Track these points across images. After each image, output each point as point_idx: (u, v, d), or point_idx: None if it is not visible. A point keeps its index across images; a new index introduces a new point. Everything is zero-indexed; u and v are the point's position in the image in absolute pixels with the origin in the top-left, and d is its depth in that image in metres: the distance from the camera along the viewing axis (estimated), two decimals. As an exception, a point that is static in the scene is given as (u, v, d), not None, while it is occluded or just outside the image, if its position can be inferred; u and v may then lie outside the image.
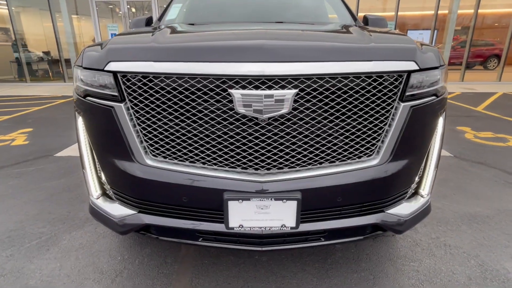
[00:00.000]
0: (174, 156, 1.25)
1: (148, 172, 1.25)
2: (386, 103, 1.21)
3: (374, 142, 1.25)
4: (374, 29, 1.73)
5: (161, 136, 1.23)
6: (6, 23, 10.32)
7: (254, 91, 1.08)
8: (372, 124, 1.22)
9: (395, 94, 1.20)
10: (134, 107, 1.21)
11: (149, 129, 1.23)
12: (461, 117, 5.39)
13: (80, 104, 1.34)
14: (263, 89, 1.08)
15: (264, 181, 1.17)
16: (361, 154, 1.25)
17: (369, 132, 1.23)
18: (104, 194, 1.45)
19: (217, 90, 1.12)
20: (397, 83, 1.20)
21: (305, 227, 1.29)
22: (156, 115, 1.20)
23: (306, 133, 1.18)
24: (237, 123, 1.15)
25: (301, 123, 1.16)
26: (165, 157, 1.26)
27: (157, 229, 1.37)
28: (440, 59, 1.34)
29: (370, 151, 1.26)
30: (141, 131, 1.24)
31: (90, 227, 2.08)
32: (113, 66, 1.19)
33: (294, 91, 1.09)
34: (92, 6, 9.49)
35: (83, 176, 1.48)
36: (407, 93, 1.21)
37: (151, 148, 1.26)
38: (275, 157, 1.19)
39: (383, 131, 1.24)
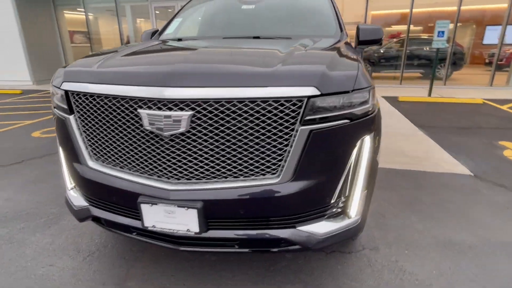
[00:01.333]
0: (108, 161, 1.49)
1: (91, 173, 1.51)
2: (284, 126, 1.27)
3: (275, 161, 1.32)
4: (314, 47, 1.74)
5: (97, 144, 1.48)
6: (84, 27, 11.95)
7: (155, 112, 1.25)
8: (272, 145, 1.29)
9: (294, 117, 1.26)
10: (79, 118, 1.48)
11: (90, 137, 1.49)
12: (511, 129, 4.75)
13: (53, 113, 1.67)
14: (163, 110, 1.25)
15: (170, 189, 1.34)
16: (263, 172, 1.34)
17: (268, 152, 1.30)
18: (74, 188, 1.77)
19: (131, 109, 1.32)
20: (295, 107, 1.25)
21: (214, 233, 1.42)
22: (94, 126, 1.46)
23: (206, 150, 1.31)
24: (147, 138, 1.34)
25: (200, 140, 1.29)
26: (103, 162, 1.51)
27: (103, 220, 1.64)
28: (359, 82, 1.33)
29: (273, 170, 1.33)
30: (85, 139, 1.51)
31: (87, 212, 2.48)
32: (65, 85, 1.47)
33: (190, 112, 1.24)
34: (151, 11, 10.49)
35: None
36: (307, 117, 1.26)
37: (93, 153, 1.52)
38: (180, 169, 1.35)
39: (284, 152, 1.30)
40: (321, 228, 1.44)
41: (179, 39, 2.43)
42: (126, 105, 1.33)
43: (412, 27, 9.46)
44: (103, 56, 1.62)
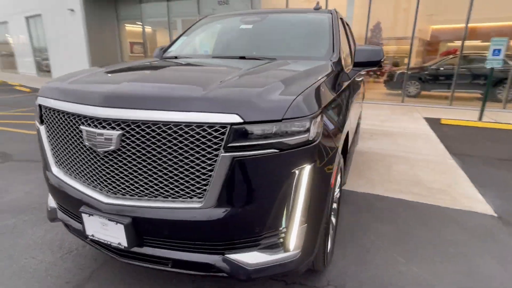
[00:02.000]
0: (65, 169, 1.62)
1: (54, 179, 1.66)
2: (207, 152, 1.26)
3: (199, 186, 1.31)
4: (276, 70, 1.71)
5: (57, 153, 1.63)
6: (141, 39, 13.12)
7: (91, 129, 1.34)
8: (195, 170, 1.29)
9: (218, 144, 1.25)
10: (45, 128, 1.65)
11: (53, 146, 1.64)
12: None
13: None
14: (98, 128, 1.33)
15: (104, 202, 1.41)
16: (189, 195, 1.34)
17: (193, 176, 1.30)
18: (52, 189, 1.96)
19: (76, 125, 1.43)
20: (218, 133, 1.24)
21: (149, 250, 1.46)
22: (54, 136, 1.61)
23: (136, 168, 1.35)
24: (88, 152, 1.43)
25: (129, 159, 1.34)
26: (62, 169, 1.65)
27: (63, 223, 1.77)
28: (294, 110, 1.27)
29: (198, 194, 1.33)
30: (50, 147, 1.66)
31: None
32: (39, 99, 1.65)
33: (119, 132, 1.30)
34: (198, 25, 11.13)
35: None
36: (230, 144, 1.24)
37: (55, 161, 1.67)
38: (115, 185, 1.41)
39: (209, 177, 1.29)
40: (252, 258, 1.39)
41: (175, 57, 2.56)
42: (73, 121, 1.44)
43: (471, 43, 8.64)
44: (80, 73, 1.79)
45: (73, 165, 1.55)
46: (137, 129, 1.30)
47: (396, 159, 4.21)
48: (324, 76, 1.76)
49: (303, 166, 1.34)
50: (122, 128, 1.31)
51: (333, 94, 1.72)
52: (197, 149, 1.27)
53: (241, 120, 1.22)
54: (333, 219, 2.08)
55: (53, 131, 1.60)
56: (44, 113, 1.64)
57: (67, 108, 1.44)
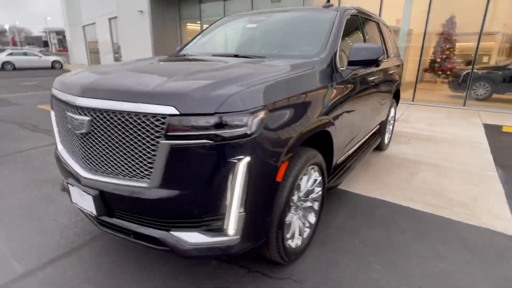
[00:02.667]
0: (64, 147, 1.97)
1: (59, 155, 2.02)
2: (151, 138, 1.44)
3: (147, 168, 1.50)
4: (243, 67, 1.81)
5: (59, 133, 1.98)
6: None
7: (71, 114, 1.63)
8: (144, 153, 1.49)
9: (159, 132, 1.42)
10: (54, 113, 2.02)
11: (57, 127, 2.01)
12: None
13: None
14: (75, 114, 1.62)
15: (82, 176, 1.70)
16: (141, 175, 1.54)
17: (141, 159, 1.50)
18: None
19: (64, 110, 1.75)
20: (159, 123, 1.41)
21: (116, 221, 1.71)
22: (57, 119, 1.96)
23: (102, 148, 1.60)
24: (72, 134, 1.74)
25: (97, 141, 1.60)
26: (64, 147, 2.00)
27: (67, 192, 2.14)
28: (230, 105, 1.38)
29: (147, 175, 1.52)
30: (56, 128, 2.03)
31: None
32: (52, 89, 2.03)
33: (88, 118, 1.56)
34: (251, 23, 11.46)
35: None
36: (169, 133, 1.40)
37: (60, 140, 2.03)
38: (90, 161, 1.69)
39: (153, 161, 1.47)
40: (192, 237, 1.54)
41: (184, 55, 2.81)
42: (64, 107, 1.76)
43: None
44: (90, 68, 2.13)
45: (67, 143, 1.89)
46: (101, 116, 1.55)
47: (425, 166, 3.89)
48: (291, 74, 1.81)
49: (240, 158, 1.44)
50: (91, 115, 1.58)
51: (297, 91, 1.76)
52: (144, 136, 1.46)
53: (177, 112, 1.38)
54: (304, 216, 2.11)
55: (56, 115, 1.96)
56: (52, 101, 2.01)
57: (61, 97, 1.77)
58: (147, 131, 1.45)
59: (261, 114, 1.48)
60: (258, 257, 2.04)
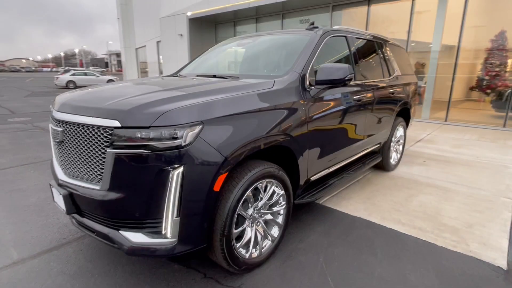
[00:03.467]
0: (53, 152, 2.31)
1: (51, 162, 2.37)
2: (102, 147, 1.68)
3: (99, 173, 1.73)
4: (199, 86, 2.00)
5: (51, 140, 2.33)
6: (234, 57, 14.66)
7: (51, 125, 1.95)
8: (97, 160, 1.73)
9: (107, 142, 1.65)
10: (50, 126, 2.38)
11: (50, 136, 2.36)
12: None
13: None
14: (54, 126, 1.93)
15: (59, 178, 1.99)
16: (97, 179, 1.77)
17: (96, 165, 1.74)
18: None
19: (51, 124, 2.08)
20: (107, 134, 1.65)
21: (84, 220, 1.96)
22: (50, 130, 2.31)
23: (70, 155, 1.88)
24: (54, 143, 2.05)
25: (68, 148, 1.88)
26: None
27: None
28: (164, 119, 1.57)
29: (100, 179, 1.75)
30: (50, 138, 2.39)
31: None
32: (50, 106, 2.41)
33: (61, 129, 1.86)
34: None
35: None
36: (114, 143, 1.62)
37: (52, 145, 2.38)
38: (65, 166, 1.98)
39: (104, 167, 1.70)
40: (136, 237, 1.72)
41: (178, 75, 3.11)
42: (51, 119, 2.10)
43: None
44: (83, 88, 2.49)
45: (54, 151, 2.23)
46: (69, 128, 1.83)
47: (430, 189, 3.69)
48: (239, 92, 1.97)
49: (175, 167, 1.61)
50: (63, 126, 1.87)
51: (241, 109, 1.90)
52: (97, 145, 1.70)
53: (120, 125, 1.60)
54: (264, 228, 2.18)
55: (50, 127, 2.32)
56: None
57: (51, 112, 2.12)
58: (99, 141, 1.69)
59: (196, 129, 1.65)
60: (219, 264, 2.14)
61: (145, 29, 22.27)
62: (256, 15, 12.77)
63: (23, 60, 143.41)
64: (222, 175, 1.77)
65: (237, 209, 1.91)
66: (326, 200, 3.36)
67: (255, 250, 2.17)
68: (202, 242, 1.81)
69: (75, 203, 1.92)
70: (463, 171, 4.38)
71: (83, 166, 1.83)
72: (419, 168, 4.53)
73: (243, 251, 2.08)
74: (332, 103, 2.61)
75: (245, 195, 1.94)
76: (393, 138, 4.24)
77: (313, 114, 2.41)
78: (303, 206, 3.19)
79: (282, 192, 2.25)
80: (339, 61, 3.05)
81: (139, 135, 1.59)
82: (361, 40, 3.36)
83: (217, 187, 1.77)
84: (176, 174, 1.62)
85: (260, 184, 2.07)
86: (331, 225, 2.83)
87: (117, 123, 1.61)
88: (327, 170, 2.84)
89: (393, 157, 4.38)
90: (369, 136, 3.43)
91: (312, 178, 2.65)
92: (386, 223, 2.87)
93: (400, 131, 4.45)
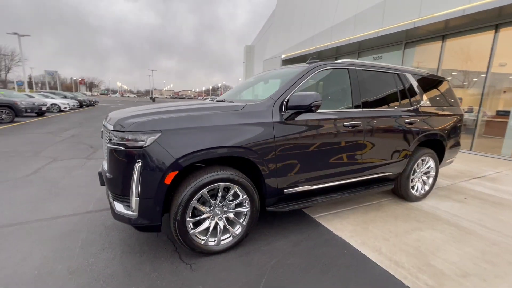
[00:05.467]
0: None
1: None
2: (108, 143, 2.05)
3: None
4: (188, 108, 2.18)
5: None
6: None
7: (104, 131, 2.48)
8: (107, 152, 2.11)
9: (109, 140, 2.02)
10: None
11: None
12: None
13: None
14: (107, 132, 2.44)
15: (103, 167, 2.50)
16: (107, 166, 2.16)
17: (107, 156, 2.13)
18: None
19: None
20: (109, 134, 2.01)
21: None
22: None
23: (104, 150, 2.35)
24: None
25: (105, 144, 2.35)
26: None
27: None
28: (135, 127, 1.84)
29: (110, 165, 2.13)
30: None
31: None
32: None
33: (109, 134, 2.35)
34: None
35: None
36: (112, 141, 1.97)
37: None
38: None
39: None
40: (119, 207, 2.01)
41: (212, 100, 3.40)
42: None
43: None
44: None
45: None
46: (111, 133, 2.20)
47: (445, 227, 2.80)
48: (206, 111, 2.07)
49: (138, 161, 1.85)
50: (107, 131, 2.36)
51: (198, 123, 1.99)
52: (108, 142, 2.10)
53: (112, 128, 1.95)
54: (226, 224, 2.17)
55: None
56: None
57: (108, 119, 2.69)
58: (108, 139, 2.08)
59: (156, 135, 1.85)
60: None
61: (259, 69, 24.41)
62: (336, 54, 12.29)
63: (189, 91, 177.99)
64: (172, 172, 1.90)
65: (191, 202, 1.98)
66: (321, 216, 2.98)
67: (214, 240, 2.17)
68: (156, 220, 1.96)
69: (102, 180, 2.36)
70: (497, 213, 3.12)
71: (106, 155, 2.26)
72: (452, 204, 3.46)
73: (201, 236, 2.12)
74: (305, 127, 2.37)
75: (200, 192, 2.00)
76: (416, 169, 3.41)
77: (282, 135, 2.26)
78: (293, 216, 2.93)
79: (245, 196, 2.19)
80: (336, 90, 2.74)
81: (119, 136, 1.90)
82: (366, 71, 2.92)
83: (167, 181, 1.90)
84: (138, 167, 1.85)
85: (217, 186, 2.07)
86: (306, 238, 2.51)
87: (112, 128, 1.97)
88: (308, 186, 2.55)
89: (417, 187, 3.50)
90: (369, 161, 2.89)
91: (286, 191, 2.44)
92: (363, 249, 2.35)
93: (429, 163, 3.53)
